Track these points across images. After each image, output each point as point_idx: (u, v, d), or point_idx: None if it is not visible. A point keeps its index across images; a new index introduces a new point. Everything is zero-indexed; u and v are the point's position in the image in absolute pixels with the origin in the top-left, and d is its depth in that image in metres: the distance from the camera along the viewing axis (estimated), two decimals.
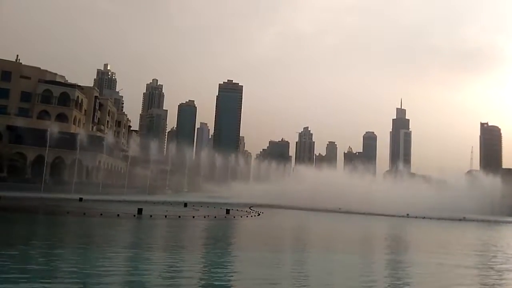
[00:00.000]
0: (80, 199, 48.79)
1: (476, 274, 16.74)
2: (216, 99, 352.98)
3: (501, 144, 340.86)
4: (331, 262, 17.92)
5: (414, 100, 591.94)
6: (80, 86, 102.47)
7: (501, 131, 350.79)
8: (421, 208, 57.44)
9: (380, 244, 27.17)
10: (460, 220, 50.15)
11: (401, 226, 41.11)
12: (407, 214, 52.90)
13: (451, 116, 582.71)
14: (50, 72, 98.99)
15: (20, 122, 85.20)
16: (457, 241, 31.42)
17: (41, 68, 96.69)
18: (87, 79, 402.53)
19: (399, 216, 50.88)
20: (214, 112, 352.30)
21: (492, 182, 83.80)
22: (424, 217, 51.03)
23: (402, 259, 19.68)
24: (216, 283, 12.86)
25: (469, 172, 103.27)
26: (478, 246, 27.88)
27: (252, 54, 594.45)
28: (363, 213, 53.24)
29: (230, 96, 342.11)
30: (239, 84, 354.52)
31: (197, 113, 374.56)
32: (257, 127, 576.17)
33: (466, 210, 59.32)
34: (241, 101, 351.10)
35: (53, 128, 75.54)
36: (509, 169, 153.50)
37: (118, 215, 32.90)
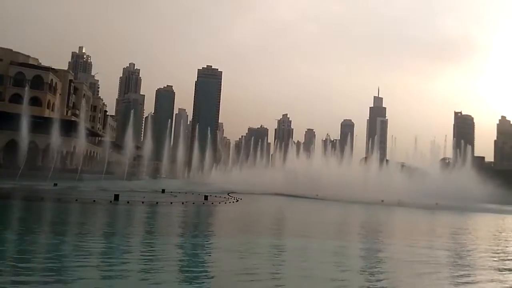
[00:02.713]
0: (55, 185, 47.93)
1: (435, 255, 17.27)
2: (195, 84, 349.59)
3: (473, 133, 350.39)
4: (307, 248, 18.17)
5: (391, 89, 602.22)
6: (54, 69, 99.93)
7: (474, 120, 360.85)
8: (396, 195, 58.73)
9: (352, 230, 27.74)
10: (432, 208, 51.43)
11: (374, 213, 41.92)
12: (382, 201, 54.08)
13: (426, 105, 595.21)
14: (23, 54, 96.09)
15: None
16: (427, 226, 32.41)
17: (13, 50, 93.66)
18: (61, 62, 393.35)
19: (374, 204, 51.85)
20: (193, 98, 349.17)
21: (464, 170, 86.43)
22: (398, 204, 52.32)
23: (371, 246, 20.11)
24: (195, 269, 12.89)
25: (443, 160, 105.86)
26: (444, 232, 28.72)
27: (232, 40, 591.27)
28: (340, 200, 54.07)
29: (209, 82, 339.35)
30: (218, 70, 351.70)
31: (175, 98, 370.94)
32: (236, 114, 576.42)
33: (440, 197, 60.89)
34: (220, 87, 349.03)
35: (26, 112, 73.45)
36: (481, 157, 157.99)
37: (94, 201, 32.56)
